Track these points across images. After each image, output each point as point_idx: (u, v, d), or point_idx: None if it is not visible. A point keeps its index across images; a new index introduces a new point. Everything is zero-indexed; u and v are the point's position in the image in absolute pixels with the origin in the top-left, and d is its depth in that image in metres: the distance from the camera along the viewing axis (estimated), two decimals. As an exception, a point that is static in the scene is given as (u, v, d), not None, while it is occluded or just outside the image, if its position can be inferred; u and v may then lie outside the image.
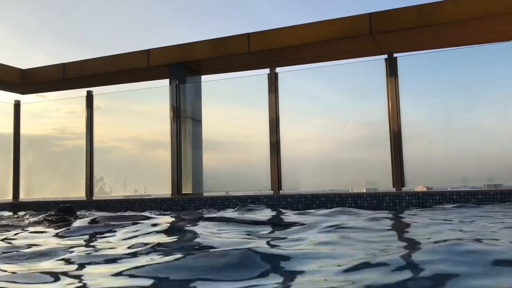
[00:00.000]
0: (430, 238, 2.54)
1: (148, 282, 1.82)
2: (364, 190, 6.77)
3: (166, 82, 8.03)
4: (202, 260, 2.07)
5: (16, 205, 8.47)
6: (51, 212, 5.36)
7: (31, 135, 9.16)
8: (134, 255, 2.40)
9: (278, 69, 7.23)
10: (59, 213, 5.13)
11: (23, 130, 9.08)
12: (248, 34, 7.50)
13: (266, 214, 5.09)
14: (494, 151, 6.15)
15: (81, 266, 2.18)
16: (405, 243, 2.58)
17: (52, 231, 3.89)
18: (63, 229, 3.93)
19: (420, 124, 6.66)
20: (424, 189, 6.44)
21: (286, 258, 2.06)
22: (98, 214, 6.01)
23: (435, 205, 5.58)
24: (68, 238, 3.41)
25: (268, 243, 2.69)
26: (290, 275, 1.78)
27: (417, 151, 6.46)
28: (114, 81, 9.09)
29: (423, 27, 6.49)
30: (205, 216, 4.90)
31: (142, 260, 2.23)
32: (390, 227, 3.43)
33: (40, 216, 5.07)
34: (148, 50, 8.17)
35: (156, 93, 8.17)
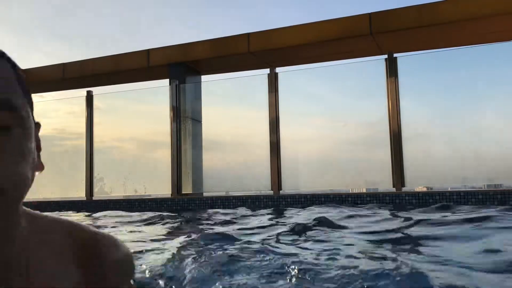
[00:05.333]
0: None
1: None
2: (364, 190, 6.77)
3: (166, 82, 8.03)
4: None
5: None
6: None
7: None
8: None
9: (278, 69, 7.23)
10: None
11: (23, 130, 9.05)
12: (248, 34, 7.49)
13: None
14: (494, 151, 6.15)
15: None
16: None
17: None
18: None
19: (420, 124, 6.66)
20: (424, 189, 6.43)
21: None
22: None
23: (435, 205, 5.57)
24: None
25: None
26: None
27: (417, 151, 6.46)
28: (114, 81, 9.09)
29: (423, 27, 6.49)
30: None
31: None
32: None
33: None
34: (148, 50, 8.16)
35: (156, 93, 8.17)
